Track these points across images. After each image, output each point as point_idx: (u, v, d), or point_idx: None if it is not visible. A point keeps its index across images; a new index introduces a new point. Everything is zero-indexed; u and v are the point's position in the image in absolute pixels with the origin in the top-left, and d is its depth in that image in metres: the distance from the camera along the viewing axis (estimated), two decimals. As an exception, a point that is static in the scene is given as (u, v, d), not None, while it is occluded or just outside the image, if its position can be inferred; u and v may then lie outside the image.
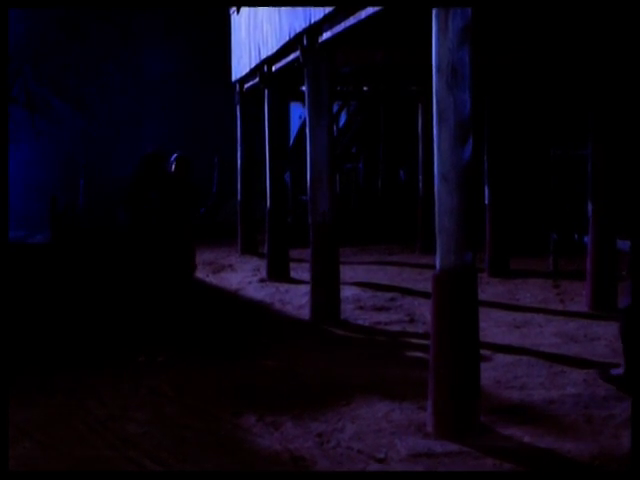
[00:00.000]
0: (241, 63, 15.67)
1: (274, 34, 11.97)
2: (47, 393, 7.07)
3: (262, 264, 14.07)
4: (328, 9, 8.95)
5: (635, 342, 6.55)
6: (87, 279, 12.93)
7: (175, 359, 8.20)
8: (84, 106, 25.02)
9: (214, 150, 22.92)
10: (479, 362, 5.95)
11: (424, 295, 10.09)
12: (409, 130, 18.17)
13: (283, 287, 12.37)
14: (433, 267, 6.02)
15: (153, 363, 8.07)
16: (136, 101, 25.23)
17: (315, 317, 10.01)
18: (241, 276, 13.68)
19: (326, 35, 9.60)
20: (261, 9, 12.90)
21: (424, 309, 9.84)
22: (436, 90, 5.88)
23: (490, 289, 11.76)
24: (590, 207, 10.22)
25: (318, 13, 9.35)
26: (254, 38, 13.87)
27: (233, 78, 16.86)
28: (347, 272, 12.50)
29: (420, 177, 16.35)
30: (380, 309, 10.62)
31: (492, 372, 7.35)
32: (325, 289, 10.02)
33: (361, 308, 10.68)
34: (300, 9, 10.07)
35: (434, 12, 5.85)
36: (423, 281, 11.88)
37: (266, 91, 13.78)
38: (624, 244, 6.89)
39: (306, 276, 11.15)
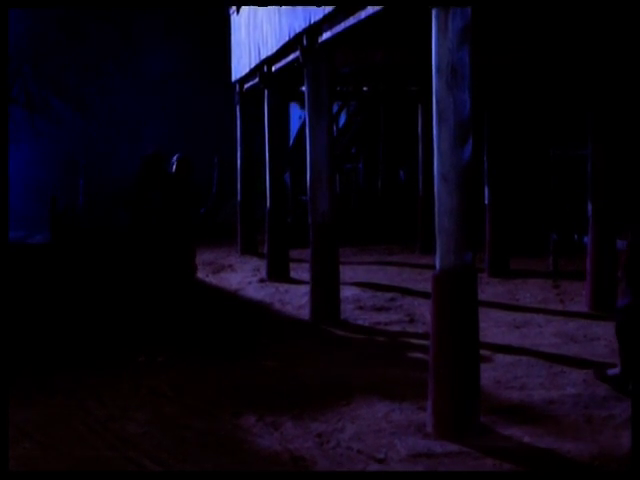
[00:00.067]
0: (241, 63, 15.67)
1: (274, 34, 11.97)
2: (47, 393, 7.07)
3: (262, 264, 14.07)
4: (328, 9, 8.95)
5: (631, 341, 6.56)
6: (87, 279, 12.92)
7: (175, 359, 8.20)
8: (84, 106, 25.03)
9: (214, 150, 22.92)
10: (479, 362, 5.95)
11: (424, 295, 10.09)
12: (409, 130, 18.15)
13: (283, 287, 12.36)
14: (433, 267, 6.02)
15: (153, 363, 8.07)
16: (136, 101, 25.24)
17: (315, 317, 10.01)
18: (241, 276, 13.68)
19: (326, 35, 9.60)
20: (261, 9, 12.90)
21: (424, 309, 9.84)
22: (436, 90, 5.88)
23: (490, 289, 11.76)
24: (590, 207, 10.22)
25: (318, 13, 9.35)
26: (254, 38, 13.88)
27: (233, 78, 16.86)
28: (347, 272, 12.50)
29: (420, 177, 16.35)
30: (380, 309, 10.62)
31: (492, 372, 7.35)
32: (325, 289, 10.02)
33: (361, 308, 10.68)
34: (300, 9, 10.07)
35: (434, 12, 5.85)
36: (423, 281, 11.88)
37: (266, 91, 13.78)
38: (624, 244, 6.89)
39: (306, 276, 11.15)
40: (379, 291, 11.81)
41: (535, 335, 8.96)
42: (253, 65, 14.18)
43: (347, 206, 19.85)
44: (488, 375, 7.10)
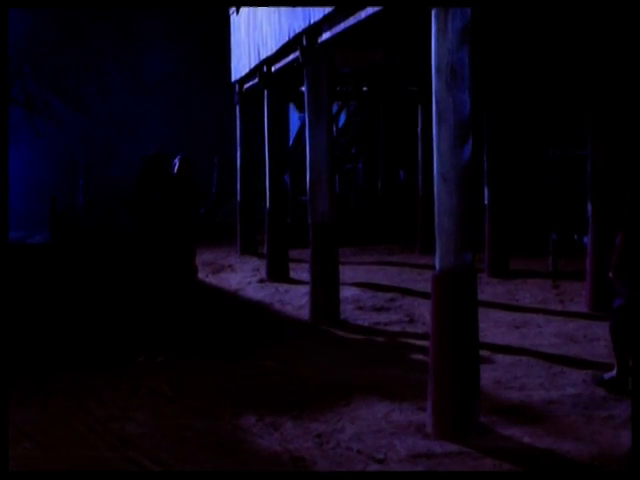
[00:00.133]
0: (241, 63, 15.67)
1: (273, 34, 11.97)
2: (47, 393, 7.07)
3: (262, 264, 14.08)
4: (328, 9, 8.95)
5: (625, 341, 6.57)
6: (87, 279, 12.93)
7: (175, 359, 8.20)
8: (84, 106, 25.03)
9: (214, 150, 22.92)
10: (479, 362, 5.95)
11: (424, 295, 10.09)
12: (409, 130, 18.16)
13: (283, 287, 12.37)
14: (433, 267, 6.02)
15: (153, 363, 8.07)
16: (136, 101, 25.24)
17: (315, 317, 10.01)
18: (241, 276, 13.68)
19: (325, 35, 9.61)
20: (260, 9, 12.91)
21: (424, 309, 9.84)
22: (435, 90, 5.89)
23: (490, 289, 11.76)
24: (590, 207, 10.22)
25: (318, 13, 9.35)
26: (254, 38, 13.88)
27: (233, 78, 16.86)
28: (347, 272, 12.50)
29: (420, 177, 16.35)
30: (380, 309, 10.62)
31: (492, 372, 7.35)
32: (325, 289, 10.02)
33: (361, 308, 10.68)
34: (300, 9, 10.07)
35: (434, 12, 5.85)
36: (423, 281, 11.88)
37: (266, 91, 13.78)
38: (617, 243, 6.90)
39: (306, 276, 11.15)
40: (379, 291, 11.81)
41: (535, 335, 8.96)
42: (253, 65, 14.18)
43: (347, 206, 19.85)
44: (488, 375, 7.11)
